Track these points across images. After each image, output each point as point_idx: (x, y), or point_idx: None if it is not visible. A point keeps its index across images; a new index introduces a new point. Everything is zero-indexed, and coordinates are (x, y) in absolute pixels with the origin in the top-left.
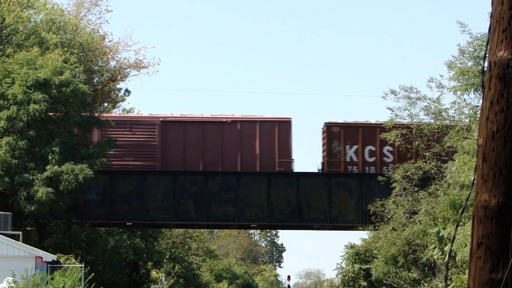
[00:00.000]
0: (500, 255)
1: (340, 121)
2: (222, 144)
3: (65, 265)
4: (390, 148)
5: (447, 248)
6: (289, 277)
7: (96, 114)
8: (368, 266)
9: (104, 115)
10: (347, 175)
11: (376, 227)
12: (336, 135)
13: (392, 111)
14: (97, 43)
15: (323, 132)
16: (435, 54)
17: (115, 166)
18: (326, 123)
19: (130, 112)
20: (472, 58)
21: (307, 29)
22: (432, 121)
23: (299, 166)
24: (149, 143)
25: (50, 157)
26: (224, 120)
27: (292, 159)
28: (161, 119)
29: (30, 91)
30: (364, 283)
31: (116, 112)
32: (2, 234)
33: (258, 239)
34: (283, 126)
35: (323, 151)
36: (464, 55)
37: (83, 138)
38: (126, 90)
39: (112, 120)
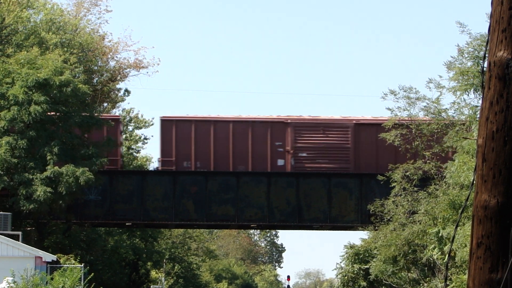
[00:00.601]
0: (499, 255)
1: None
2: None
3: (65, 265)
4: None
5: (446, 248)
6: (288, 277)
7: (286, 116)
8: (367, 266)
9: (295, 116)
10: (347, 175)
11: (376, 227)
12: None
13: (392, 111)
14: (96, 43)
15: None
16: (435, 54)
17: (308, 168)
18: None
19: (129, 112)
20: (471, 58)
21: (307, 29)
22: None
23: None
24: (342, 145)
25: (48, 157)
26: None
27: None
28: (354, 121)
29: (31, 92)
30: (363, 283)
31: (115, 112)
32: (2, 234)
33: (257, 239)
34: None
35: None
36: (464, 55)
37: (83, 139)
38: (126, 90)
39: (305, 122)
